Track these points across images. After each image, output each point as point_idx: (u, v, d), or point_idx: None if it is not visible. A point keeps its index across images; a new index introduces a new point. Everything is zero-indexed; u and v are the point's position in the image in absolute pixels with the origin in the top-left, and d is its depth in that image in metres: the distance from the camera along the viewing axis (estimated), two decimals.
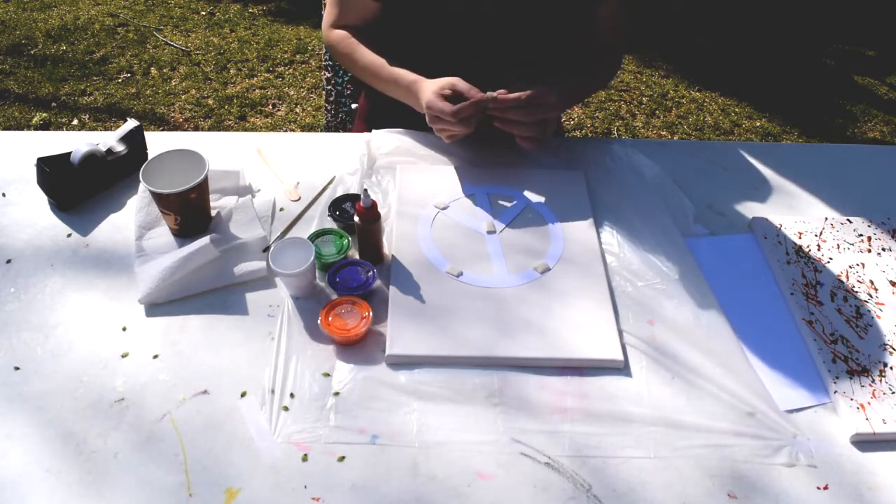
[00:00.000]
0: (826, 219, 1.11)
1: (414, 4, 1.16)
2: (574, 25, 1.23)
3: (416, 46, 1.22)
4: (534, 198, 1.10)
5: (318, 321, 0.88)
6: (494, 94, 1.05)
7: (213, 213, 1.04)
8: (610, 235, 1.05)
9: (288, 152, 1.18)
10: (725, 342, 0.91)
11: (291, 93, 2.91)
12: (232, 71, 3.04)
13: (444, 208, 1.07)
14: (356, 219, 0.95)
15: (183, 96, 2.86)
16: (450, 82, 1.07)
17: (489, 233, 1.04)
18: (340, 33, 1.24)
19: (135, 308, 0.93)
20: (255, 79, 2.99)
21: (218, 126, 2.70)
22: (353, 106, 1.55)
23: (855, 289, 1.00)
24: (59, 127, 2.65)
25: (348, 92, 1.55)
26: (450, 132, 1.08)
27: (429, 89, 1.08)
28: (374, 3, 1.18)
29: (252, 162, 1.16)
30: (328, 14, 1.26)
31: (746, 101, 3.06)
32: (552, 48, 1.26)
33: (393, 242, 1.01)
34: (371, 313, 0.89)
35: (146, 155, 1.13)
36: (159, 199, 0.97)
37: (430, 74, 1.16)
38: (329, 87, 1.56)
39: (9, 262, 0.98)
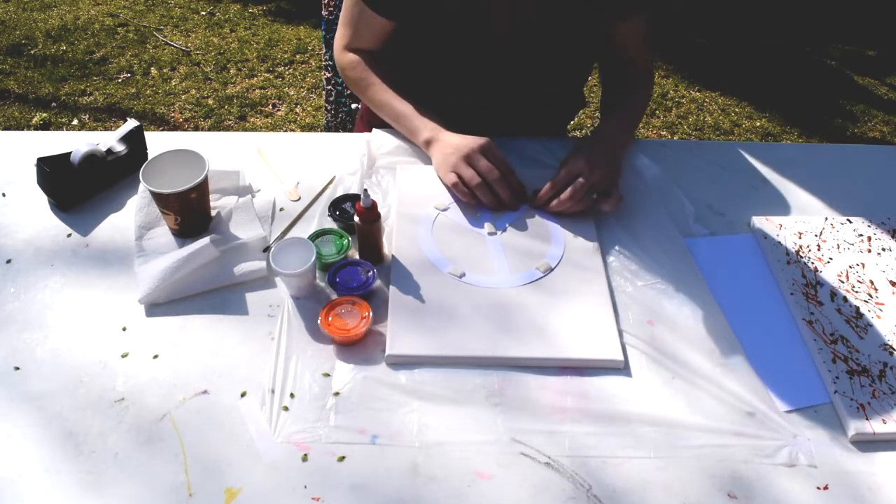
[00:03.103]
0: (826, 219, 1.11)
1: (429, 23, 1.14)
2: (592, 47, 1.21)
3: (429, 67, 1.21)
4: (533, 199, 1.10)
5: (318, 321, 0.88)
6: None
7: (213, 213, 1.04)
8: (610, 235, 1.05)
9: (288, 152, 1.18)
10: (725, 342, 0.91)
11: (291, 93, 2.91)
12: (232, 71, 3.04)
13: (445, 210, 1.07)
14: (356, 219, 0.95)
15: (183, 96, 2.86)
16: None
17: (490, 234, 1.04)
18: (353, 58, 1.20)
19: (135, 308, 0.93)
20: (255, 79, 2.99)
21: (218, 126, 2.70)
22: (354, 106, 1.55)
23: (855, 289, 1.00)
24: (59, 127, 2.65)
25: (348, 92, 1.55)
26: (482, 190, 1.04)
27: (467, 138, 1.07)
28: (389, 22, 1.15)
29: (252, 162, 1.16)
30: (340, 35, 1.22)
31: (746, 101, 3.06)
32: (568, 69, 1.26)
33: (393, 242, 1.01)
34: (371, 313, 0.89)
35: (146, 155, 1.13)
36: (159, 199, 0.97)
37: (444, 96, 1.16)
38: (329, 87, 1.56)
39: (9, 262, 0.98)
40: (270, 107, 2.84)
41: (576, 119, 2.79)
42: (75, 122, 2.70)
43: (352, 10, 1.17)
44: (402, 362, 0.87)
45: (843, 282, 1.00)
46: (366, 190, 0.95)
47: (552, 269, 0.99)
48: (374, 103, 1.19)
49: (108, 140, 1.10)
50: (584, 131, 2.73)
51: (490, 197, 1.04)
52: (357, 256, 0.99)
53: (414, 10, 1.12)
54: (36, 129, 2.62)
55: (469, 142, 1.06)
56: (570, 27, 1.15)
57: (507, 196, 1.05)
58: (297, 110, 2.82)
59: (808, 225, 1.09)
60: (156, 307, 0.93)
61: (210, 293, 0.95)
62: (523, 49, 1.17)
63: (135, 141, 1.11)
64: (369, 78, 1.18)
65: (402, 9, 1.13)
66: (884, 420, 0.83)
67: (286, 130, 2.70)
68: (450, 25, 1.13)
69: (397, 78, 1.18)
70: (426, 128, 1.11)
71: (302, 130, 2.69)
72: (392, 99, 1.15)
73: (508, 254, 1.01)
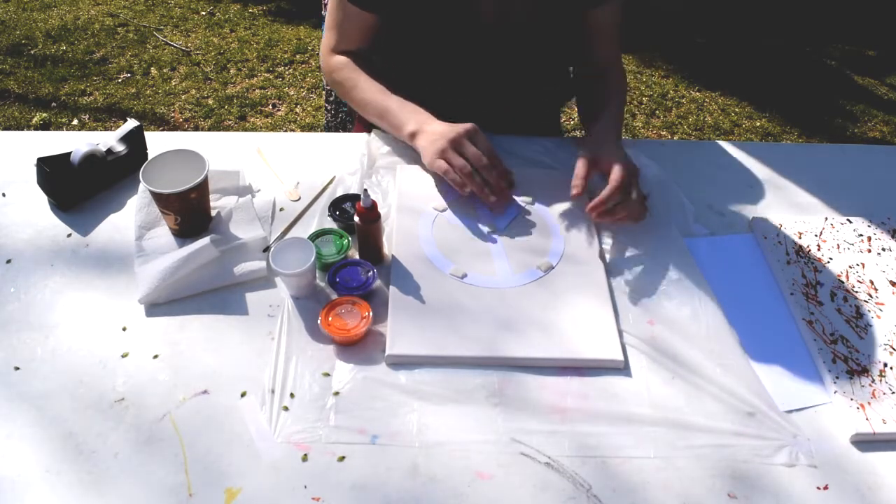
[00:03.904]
0: (826, 219, 1.11)
1: (412, 15, 1.14)
2: (574, 34, 1.21)
3: (417, 61, 1.21)
4: (534, 197, 1.10)
5: (318, 321, 0.88)
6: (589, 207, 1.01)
7: (213, 213, 1.04)
8: (610, 235, 1.05)
9: (288, 152, 1.18)
10: (725, 342, 0.91)
11: (291, 93, 2.91)
12: (232, 71, 3.04)
13: (444, 210, 1.07)
14: (356, 219, 0.95)
15: (183, 96, 2.86)
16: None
17: (490, 233, 1.04)
18: (339, 60, 1.19)
19: (135, 308, 0.93)
20: (255, 79, 2.99)
21: (218, 126, 2.70)
22: None
23: (855, 289, 1.00)
24: (59, 127, 2.65)
25: None
26: (470, 178, 1.01)
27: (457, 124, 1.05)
28: (373, 16, 1.15)
29: (252, 162, 1.16)
30: (326, 39, 1.21)
31: (746, 101, 3.06)
32: (555, 55, 1.26)
33: (393, 242, 1.01)
34: (371, 313, 0.89)
35: (146, 155, 1.13)
36: (159, 199, 0.97)
37: (435, 89, 1.15)
38: (329, 87, 1.56)
39: (9, 262, 0.98)
40: (270, 107, 2.84)
41: (576, 119, 2.79)
42: (75, 122, 2.70)
43: (335, 11, 1.17)
44: (401, 362, 0.87)
45: (843, 282, 1.01)
46: (366, 190, 0.95)
47: (553, 268, 0.99)
48: (359, 103, 1.18)
49: (108, 140, 1.10)
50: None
51: (479, 185, 1.03)
52: (357, 256, 0.99)
53: (392, 2, 1.12)
54: (36, 129, 2.62)
55: (455, 127, 1.05)
56: (555, 15, 1.15)
57: (496, 182, 1.03)
58: (297, 110, 2.82)
59: (808, 225, 1.09)
60: (156, 307, 0.93)
61: (210, 293, 0.95)
62: (510, 39, 1.17)
63: (135, 141, 1.11)
64: (356, 78, 1.17)
65: (381, 1, 1.13)
66: (884, 420, 0.83)
67: (286, 130, 2.70)
68: (436, 17, 1.14)
69: (388, 75, 1.18)
70: (411, 121, 1.10)
71: (302, 130, 2.69)
72: (377, 96, 1.14)
73: (510, 253, 1.01)
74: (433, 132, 1.07)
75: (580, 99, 1.29)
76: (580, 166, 1.04)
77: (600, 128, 1.14)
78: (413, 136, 1.10)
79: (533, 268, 0.99)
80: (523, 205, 1.09)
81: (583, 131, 1.23)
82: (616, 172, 1.00)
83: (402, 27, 1.17)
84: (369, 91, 1.15)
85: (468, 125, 1.05)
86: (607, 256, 1.02)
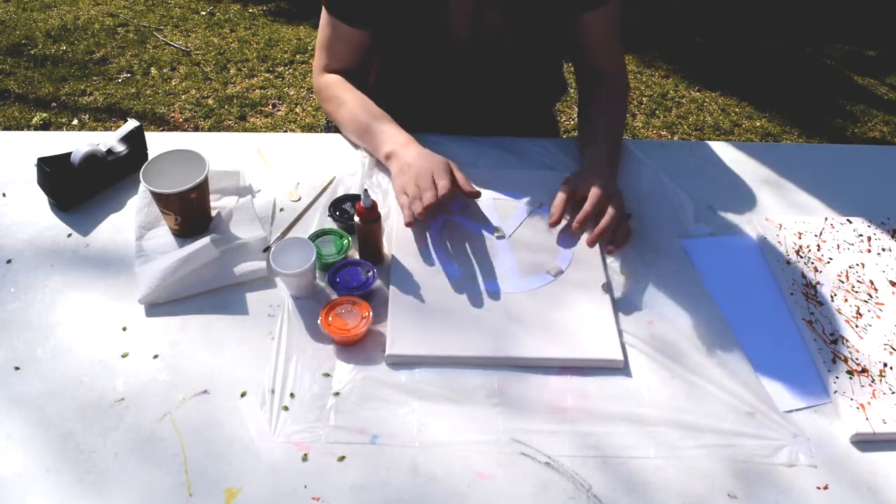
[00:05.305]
0: (826, 219, 1.11)
1: (398, 29, 1.14)
2: (562, 38, 1.21)
3: (411, 69, 1.21)
4: (542, 201, 1.09)
5: (318, 321, 0.88)
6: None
7: (214, 213, 1.04)
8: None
9: (288, 152, 1.18)
10: (725, 342, 0.91)
11: (291, 93, 2.91)
12: (232, 71, 3.04)
13: (453, 214, 1.06)
14: (356, 219, 0.95)
15: (183, 96, 2.86)
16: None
17: (498, 238, 1.03)
18: (329, 78, 1.19)
19: (135, 308, 0.93)
20: (255, 79, 2.99)
21: (218, 126, 2.70)
22: None
23: (855, 289, 1.00)
24: (59, 127, 2.65)
25: None
26: (431, 200, 0.97)
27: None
28: (362, 34, 1.15)
29: (252, 162, 1.16)
30: (317, 59, 1.22)
31: (746, 101, 3.06)
32: (540, 60, 1.26)
33: (393, 242, 1.01)
34: (371, 313, 0.89)
35: (146, 155, 1.13)
36: (159, 199, 0.97)
37: (431, 93, 1.14)
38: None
39: (9, 262, 0.98)
40: (270, 107, 2.84)
41: (576, 119, 2.79)
42: (75, 122, 2.70)
43: (325, 31, 1.18)
44: (401, 362, 0.87)
45: (843, 282, 1.01)
46: (366, 190, 0.95)
47: (562, 272, 0.98)
48: (342, 122, 1.18)
49: (108, 140, 1.10)
50: None
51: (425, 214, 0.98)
52: (357, 256, 0.99)
53: (382, 18, 1.13)
54: (36, 129, 2.62)
55: (423, 163, 1.02)
56: (537, 24, 1.15)
57: (422, 212, 0.97)
58: (297, 110, 2.82)
59: (808, 225, 1.09)
60: (156, 307, 0.93)
61: (210, 293, 0.95)
62: (489, 50, 1.17)
63: (135, 141, 1.11)
64: (342, 97, 1.17)
65: (372, 17, 1.13)
66: (884, 420, 0.83)
67: (286, 130, 2.70)
68: (414, 31, 1.14)
69: (388, 78, 1.18)
70: (389, 142, 1.09)
71: (302, 130, 2.69)
72: (359, 116, 1.14)
73: (518, 257, 1.00)
74: (405, 162, 1.05)
75: (578, 111, 1.28)
76: (558, 199, 1.03)
77: (586, 164, 1.11)
78: (388, 157, 1.09)
79: (542, 272, 0.98)
80: (531, 208, 1.08)
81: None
82: (592, 191, 1.01)
83: (389, 43, 1.18)
84: (354, 111, 1.15)
85: (437, 164, 1.02)
86: (607, 257, 1.02)
